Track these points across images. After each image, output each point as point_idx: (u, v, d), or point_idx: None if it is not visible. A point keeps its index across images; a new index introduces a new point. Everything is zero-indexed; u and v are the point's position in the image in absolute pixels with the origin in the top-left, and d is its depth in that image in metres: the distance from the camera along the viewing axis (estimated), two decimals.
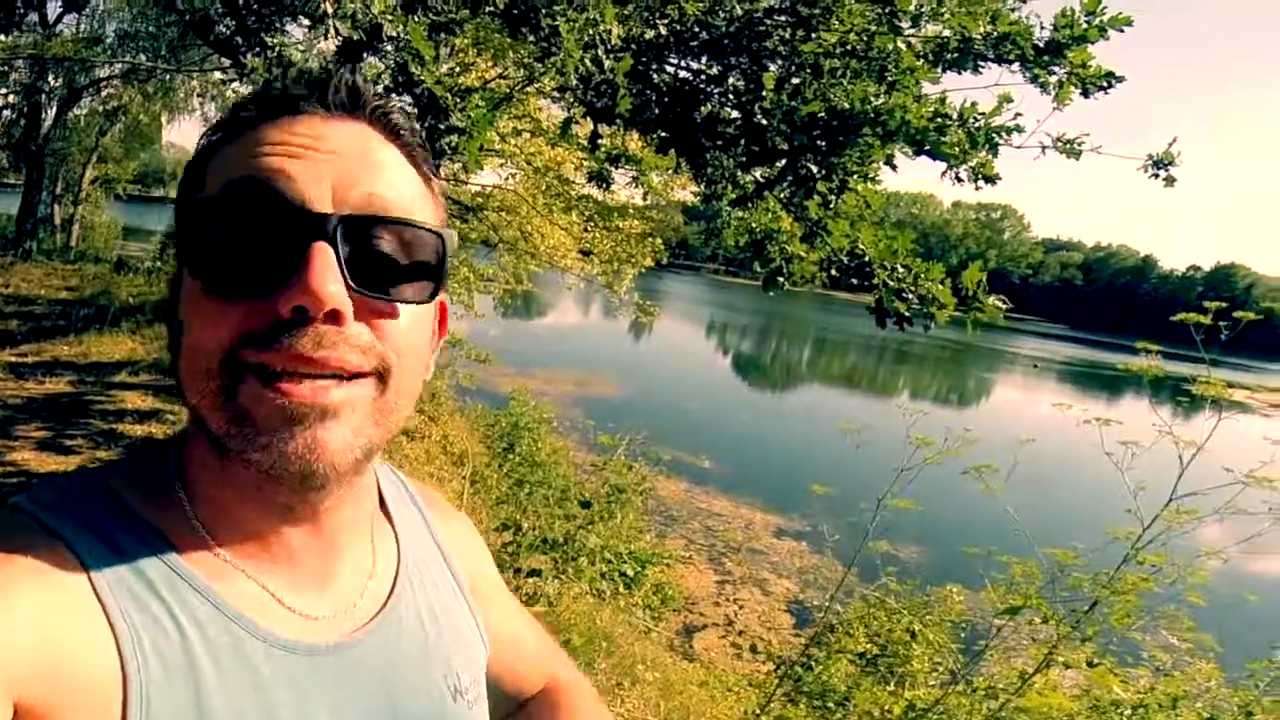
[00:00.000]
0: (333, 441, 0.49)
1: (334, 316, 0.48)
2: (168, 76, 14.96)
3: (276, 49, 2.64)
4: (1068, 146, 3.58)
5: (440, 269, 0.55)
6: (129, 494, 0.54)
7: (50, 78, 14.21)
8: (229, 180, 0.51)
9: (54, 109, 15.22)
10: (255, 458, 0.48)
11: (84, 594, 0.47)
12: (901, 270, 3.36)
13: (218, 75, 14.20)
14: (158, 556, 0.51)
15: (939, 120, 3.20)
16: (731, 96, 3.67)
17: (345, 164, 0.51)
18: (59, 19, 13.82)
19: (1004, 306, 3.23)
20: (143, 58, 14.02)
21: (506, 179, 8.97)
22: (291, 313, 0.47)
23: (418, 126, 0.59)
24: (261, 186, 0.49)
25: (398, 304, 0.52)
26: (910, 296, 3.34)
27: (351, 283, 0.49)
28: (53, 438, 5.03)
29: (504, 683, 0.78)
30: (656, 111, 3.57)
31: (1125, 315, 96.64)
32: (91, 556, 0.48)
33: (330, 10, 1.84)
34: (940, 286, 3.14)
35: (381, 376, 0.51)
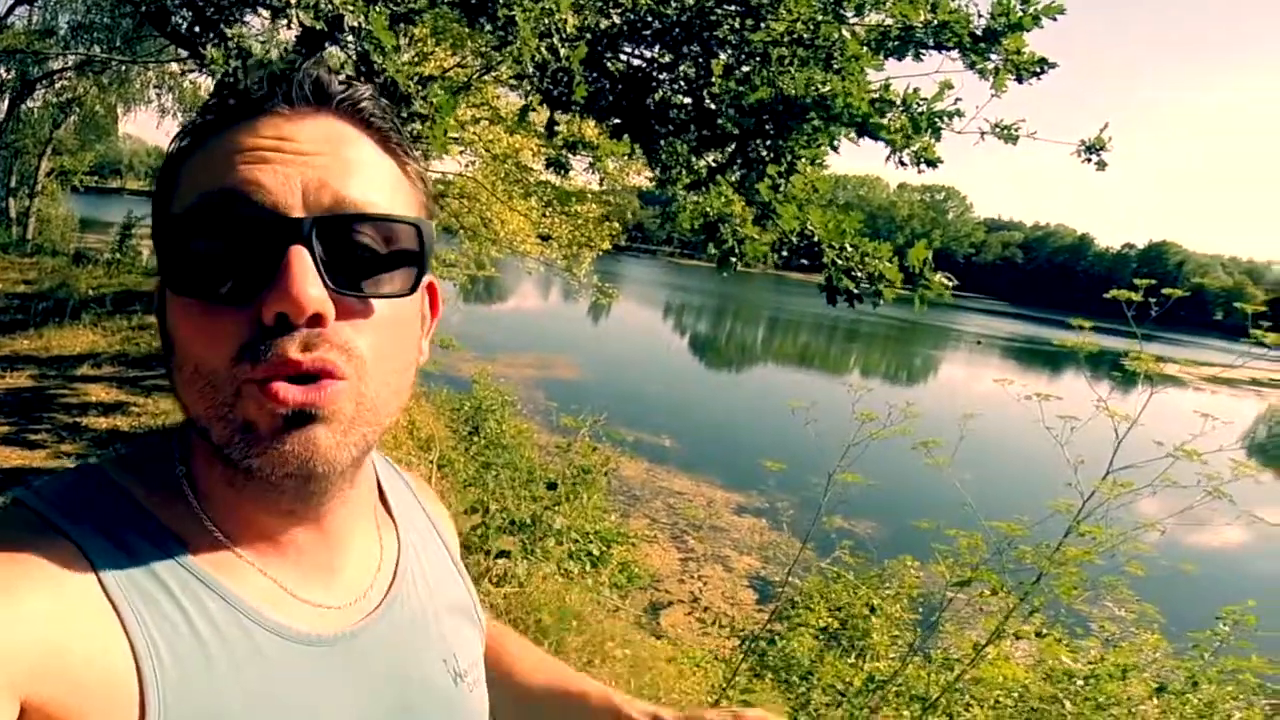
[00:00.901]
0: (326, 441, 0.50)
1: (316, 319, 0.48)
2: (123, 68, 14.47)
3: (236, 40, 2.60)
4: (1005, 132, 3.72)
5: (421, 257, 0.55)
6: (134, 488, 0.53)
7: (2, 70, 13.69)
8: (202, 194, 0.50)
9: (6, 102, 14.67)
10: (255, 464, 0.49)
11: (92, 591, 0.47)
12: (850, 249, 3.47)
13: (174, 66, 13.72)
14: (165, 551, 0.51)
15: (880, 105, 3.32)
16: (682, 83, 3.74)
17: (314, 164, 0.51)
18: (10, 10, 13.21)
19: (950, 283, 3.36)
20: (97, 49, 13.56)
21: (466, 166, 8.92)
22: (274, 319, 0.48)
23: (388, 107, 0.58)
24: (234, 197, 0.49)
25: (379, 299, 0.53)
26: (859, 274, 3.45)
27: (331, 284, 0.49)
28: (16, 433, 4.91)
29: None
30: (610, 99, 3.62)
31: (1064, 292, 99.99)
32: (99, 553, 0.48)
33: (292, 0, 1.84)
34: (888, 264, 3.28)
35: (363, 375, 0.51)
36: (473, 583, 0.79)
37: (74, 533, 0.48)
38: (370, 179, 0.53)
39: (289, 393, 0.48)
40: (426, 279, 0.58)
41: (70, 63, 14.12)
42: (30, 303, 8.81)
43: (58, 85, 15.47)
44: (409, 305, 0.56)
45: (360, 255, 0.51)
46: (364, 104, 0.55)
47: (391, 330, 0.54)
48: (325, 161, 0.51)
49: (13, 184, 16.84)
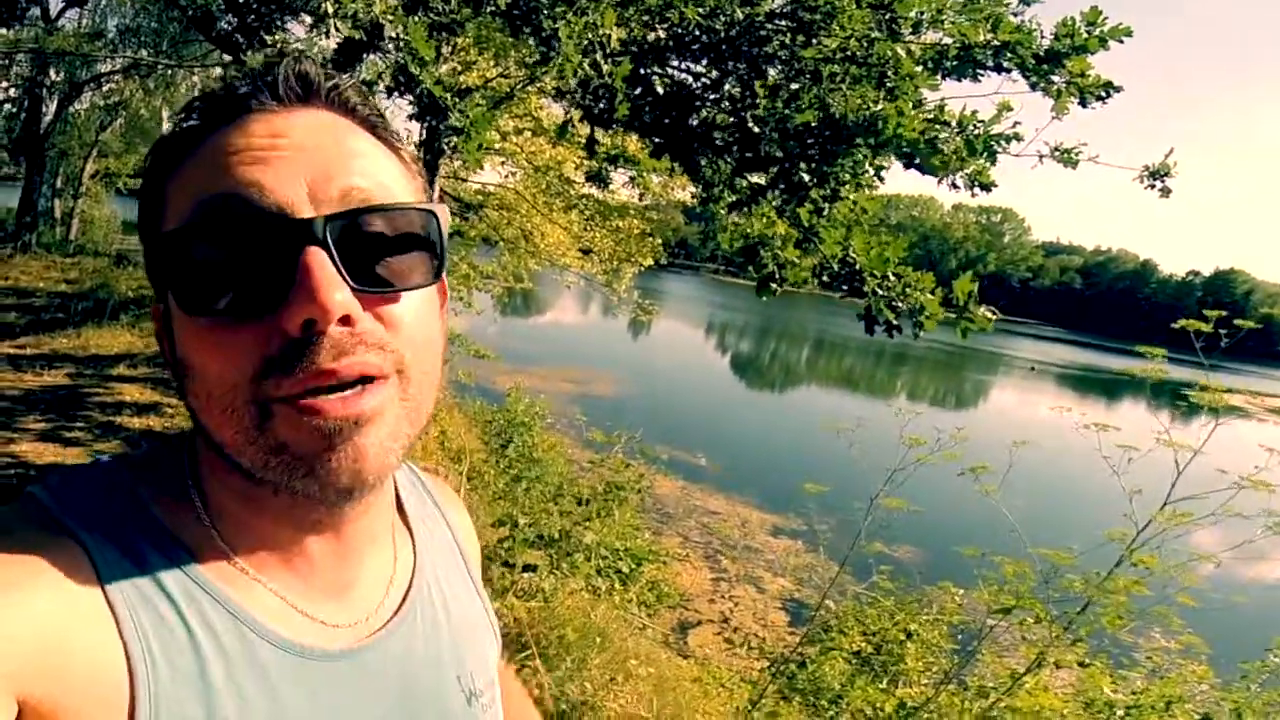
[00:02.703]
0: (372, 448, 0.48)
1: (344, 321, 0.46)
2: (169, 72, 14.96)
3: (278, 46, 2.65)
4: (1065, 156, 3.60)
5: (439, 244, 0.53)
6: (145, 492, 0.52)
7: (51, 72, 14.20)
8: (198, 202, 0.47)
9: (55, 103, 15.19)
10: (300, 485, 0.47)
11: (93, 594, 0.46)
12: (892, 279, 3.38)
13: (219, 71, 14.24)
14: (170, 559, 0.50)
15: (933, 129, 3.23)
16: (727, 103, 3.70)
17: (314, 158, 0.48)
18: (61, 13, 13.82)
19: (993, 317, 3.25)
20: (144, 53, 13.97)
21: (507, 177, 9.01)
22: (301, 329, 0.45)
23: (371, 97, 0.56)
24: (235, 202, 0.46)
25: (404, 292, 0.50)
26: (900, 305, 3.36)
27: (353, 282, 0.47)
28: (52, 430, 5.07)
29: None
30: (651, 117, 3.60)
31: (1124, 320, 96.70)
32: (103, 557, 0.47)
33: (331, 10, 1.86)
34: (929, 296, 3.17)
35: (403, 370, 0.50)
36: (499, 596, 0.76)
37: (81, 534, 0.48)
38: (373, 169, 0.51)
39: (330, 406, 0.46)
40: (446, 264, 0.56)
41: (118, 65, 14.49)
42: (71, 302, 9.19)
43: (105, 88, 15.92)
44: (431, 295, 0.54)
45: (378, 248, 0.49)
46: (349, 94, 0.54)
47: (421, 319, 0.52)
48: (324, 154, 0.49)
49: (58, 185, 17.47)
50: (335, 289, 0.45)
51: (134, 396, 6.15)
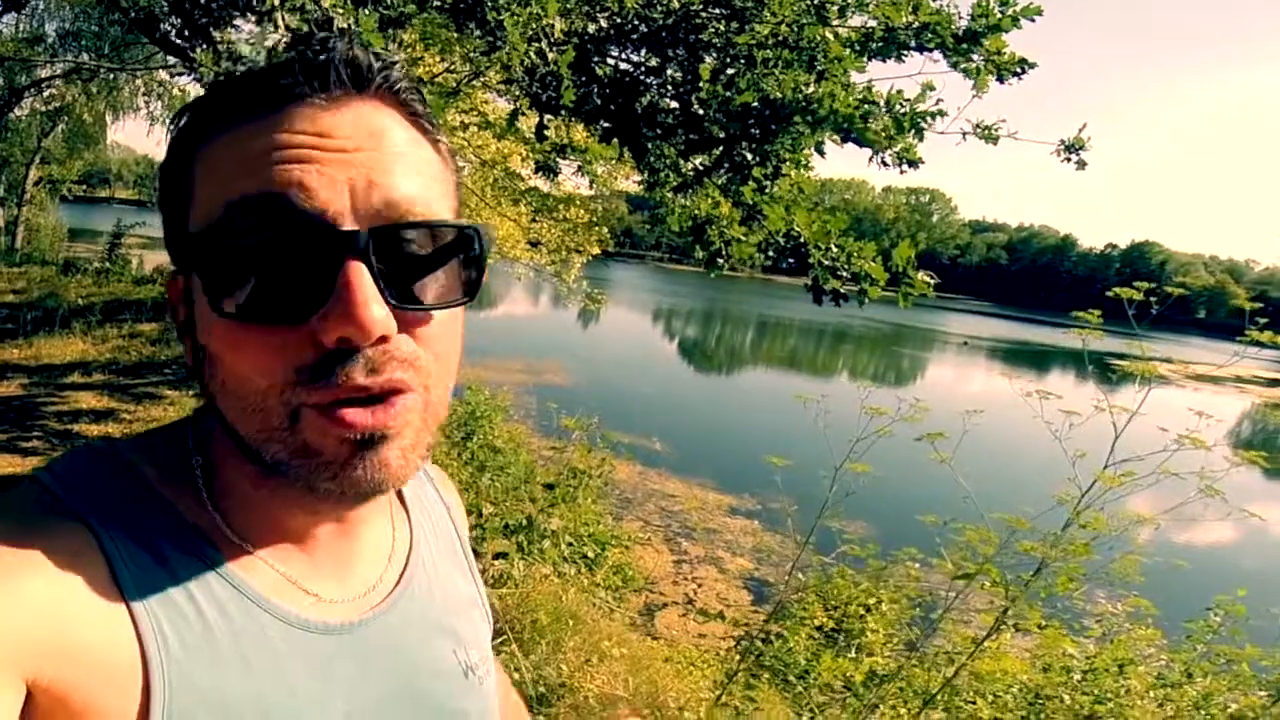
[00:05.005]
0: (396, 459, 0.48)
1: (380, 339, 0.46)
2: (112, 75, 14.35)
3: (226, 44, 2.60)
4: (985, 132, 3.77)
5: (481, 261, 0.52)
6: (149, 473, 0.53)
7: None
8: (238, 198, 0.46)
9: None
10: (325, 487, 0.48)
11: (100, 574, 0.46)
12: (835, 249, 3.51)
13: (163, 74, 13.66)
14: (176, 538, 0.51)
15: (865, 107, 3.37)
16: (670, 87, 3.78)
17: (361, 161, 0.47)
18: None
19: (933, 281, 3.41)
20: (85, 57, 13.40)
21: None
22: (337, 343, 0.45)
23: (419, 84, 0.54)
24: (277, 204, 0.45)
25: (439, 310, 0.50)
26: (844, 274, 3.49)
27: (392, 300, 0.46)
28: (8, 440, 4.95)
29: None
30: (599, 102, 3.65)
31: (1048, 292, 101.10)
32: (110, 537, 0.48)
33: (278, 2, 1.85)
34: (872, 264, 3.32)
35: (428, 384, 0.50)
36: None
37: (87, 515, 0.48)
38: (415, 173, 0.49)
39: (359, 418, 0.46)
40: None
41: (58, 70, 14.01)
42: (19, 312, 8.88)
43: (46, 93, 15.36)
44: (459, 309, 0.53)
45: (418, 264, 0.49)
46: (401, 85, 0.51)
47: (449, 333, 0.52)
48: (369, 158, 0.47)
49: (1, 193, 16.81)
50: (374, 307, 0.45)
51: (90, 404, 6.02)
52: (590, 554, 4.93)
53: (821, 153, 3.72)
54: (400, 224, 0.47)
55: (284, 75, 0.48)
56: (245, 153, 0.47)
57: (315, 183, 0.45)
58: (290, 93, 0.48)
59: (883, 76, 4.11)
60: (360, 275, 0.45)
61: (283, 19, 2.00)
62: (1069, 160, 3.90)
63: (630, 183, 8.11)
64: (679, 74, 3.63)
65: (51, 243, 18.29)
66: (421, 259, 0.49)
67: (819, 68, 3.60)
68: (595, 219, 9.13)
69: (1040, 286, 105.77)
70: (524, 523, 4.09)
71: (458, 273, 0.51)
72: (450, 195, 0.54)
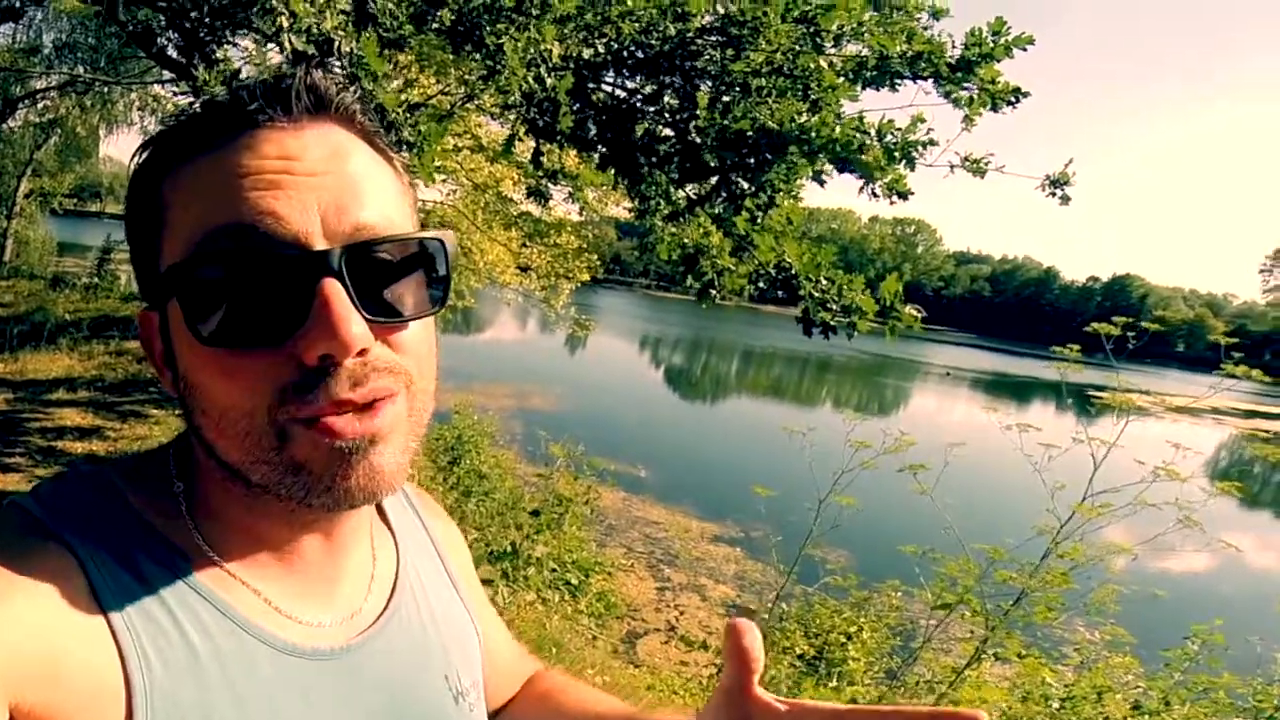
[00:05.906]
0: (387, 465, 0.50)
1: (360, 352, 0.48)
2: (106, 89, 14.31)
3: (225, 62, 2.61)
4: (974, 165, 3.82)
5: (445, 270, 0.54)
6: (134, 497, 0.53)
7: None
8: (213, 228, 0.47)
9: None
10: (318, 502, 0.49)
11: (85, 599, 0.46)
12: (825, 282, 3.53)
13: (159, 88, 13.64)
14: (161, 562, 0.50)
15: (859, 137, 3.41)
16: (666, 115, 3.81)
17: (329, 185, 0.49)
18: None
19: (919, 314, 3.44)
20: (81, 69, 13.31)
21: (448, 195, 8.97)
22: (319, 360, 0.46)
23: (372, 107, 0.56)
24: (249, 232, 0.46)
25: (413, 320, 0.52)
26: (834, 306, 3.51)
27: (367, 313, 0.48)
28: None
29: (484, 692, 0.75)
30: (595, 130, 3.68)
31: (1030, 325, 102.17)
32: (94, 561, 0.48)
33: (286, 24, 1.87)
34: (863, 296, 3.35)
35: (410, 386, 0.52)
36: None
37: (70, 539, 0.48)
38: (379, 193, 0.51)
39: (346, 426, 0.47)
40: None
41: (54, 82, 13.94)
42: (6, 326, 8.80)
43: (40, 105, 15.28)
44: (431, 317, 0.55)
45: (389, 278, 0.50)
46: (357, 108, 0.54)
47: (424, 339, 0.54)
48: (335, 180, 0.49)
49: None
50: (352, 323, 0.46)
51: (75, 421, 5.94)
52: (574, 581, 4.87)
53: (821, 182, 3.75)
54: (370, 241, 0.49)
55: (248, 101, 0.49)
56: (215, 181, 0.48)
57: (286, 209, 0.47)
58: (255, 118, 0.49)
59: (873, 108, 4.17)
60: (336, 292, 0.46)
61: (289, 40, 2.02)
62: (1053, 195, 3.96)
63: (620, 209, 8.17)
64: (675, 101, 3.67)
65: (41, 256, 18.15)
66: (392, 272, 0.50)
67: (813, 96, 3.65)
68: (585, 245, 9.18)
69: (1023, 319, 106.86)
70: (509, 549, 4.04)
71: (427, 281, 0.53)
72: (411, 210, 0.56)
